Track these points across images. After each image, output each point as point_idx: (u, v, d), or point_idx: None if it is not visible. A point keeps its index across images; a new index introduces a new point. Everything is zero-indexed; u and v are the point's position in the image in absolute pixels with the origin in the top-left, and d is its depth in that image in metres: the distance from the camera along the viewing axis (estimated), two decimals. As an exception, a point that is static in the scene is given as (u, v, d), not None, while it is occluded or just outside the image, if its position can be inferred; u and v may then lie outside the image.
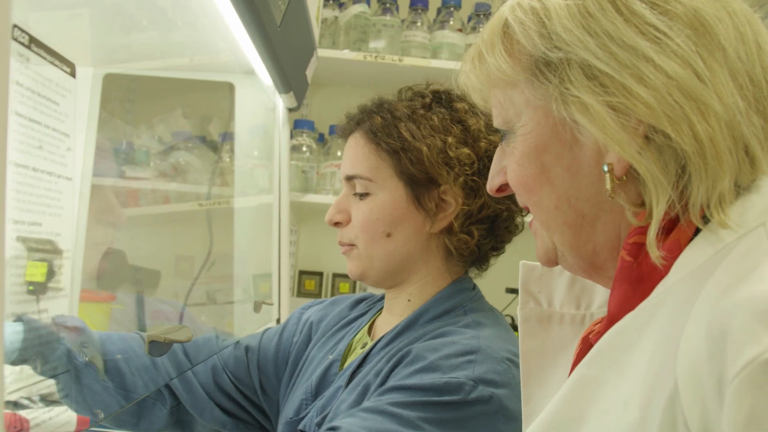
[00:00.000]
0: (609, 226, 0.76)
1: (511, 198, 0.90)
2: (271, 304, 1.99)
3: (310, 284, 2.83)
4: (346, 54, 2.53)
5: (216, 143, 1.64)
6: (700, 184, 0.68)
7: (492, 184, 0.85)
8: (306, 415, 1.22)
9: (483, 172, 1.20)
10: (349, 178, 1.28)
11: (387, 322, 1.29)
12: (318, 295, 2.83)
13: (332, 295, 2.83)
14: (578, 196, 0.76)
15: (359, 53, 2.53)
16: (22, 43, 0.86)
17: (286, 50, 1.63)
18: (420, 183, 1.22)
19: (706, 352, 0.59)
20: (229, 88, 1.71)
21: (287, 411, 1.29)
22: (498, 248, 1.29)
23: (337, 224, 1.29)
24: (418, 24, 2.60)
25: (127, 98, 1.26)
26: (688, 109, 0.67)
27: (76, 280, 1.17)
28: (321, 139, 2.71)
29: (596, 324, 0.81)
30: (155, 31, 1.21)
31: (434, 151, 1.21)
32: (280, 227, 2.13)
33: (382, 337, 1.23)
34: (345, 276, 2.83)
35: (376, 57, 2.51)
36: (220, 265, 1.64)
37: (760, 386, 0.55)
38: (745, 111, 0.69)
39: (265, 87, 1.90)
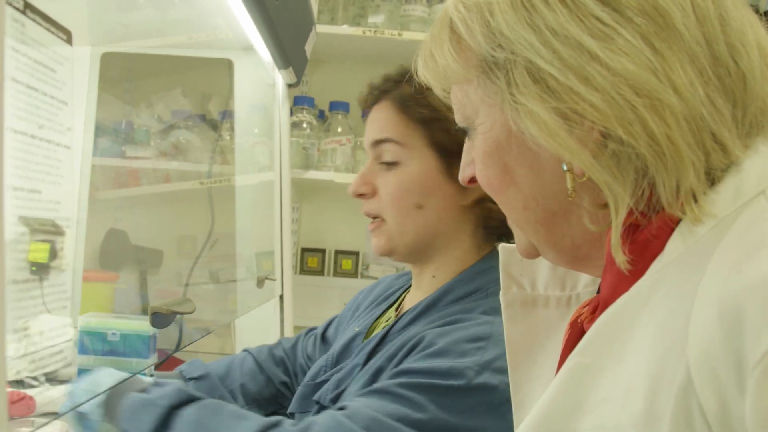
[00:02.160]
0: (583, 218, 0.70)
1: None
2: (274, 280, 1.99)
3: (312, 261, 2.83)
4: (345, 29, 2.51)
5: (216, 121, 1.63)
6: (663, 183, 0.63)
7: (463, 175, 0.82)
8: (322, 383, 1.23)
9: None
10: (378, 143, 1.23)
11: (412, 299, 1.28)
12: (320, 272, 2.83)
13: (335, 272, 2.83)
14: (545, 195, 0.71)
15: (358, 28, 2.51)
16: (17, 8, 0.85)
17: (285, 25, 1.62)
18: (452, 153, 1.16)
19: (720, 337, 0.55)
20: (228, 65, 1.71)
21: (309, 373, 1.30)
22: None
23: (360, 196, 1.25)
24: (417, -2, 2.58)
25: (125, 77, 1.25)
26: (641, 108, 0.62)
27: (79, 260, 1.17)
28: (321, 115, 2.69)
29: (584, 306, 0.77)
30: (153, 9, 1.20)
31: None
32: (281, 204, 2.13)
33: (403, 315, 1.22)
34: (347, 252, 2.83)
35: (375, 32, 2.50)
36: (222, 244, 1.64)
37: None
38: (706, 99, 0.64)
39: (265, 63, 1.89)
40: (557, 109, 0.64)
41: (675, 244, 0.64)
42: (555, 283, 0.86)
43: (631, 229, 0.66)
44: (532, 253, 0.78)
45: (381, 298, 1.39)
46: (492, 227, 1.23)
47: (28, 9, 0.86)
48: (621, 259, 0.64)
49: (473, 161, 0.78)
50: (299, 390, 1.27)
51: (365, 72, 2.92)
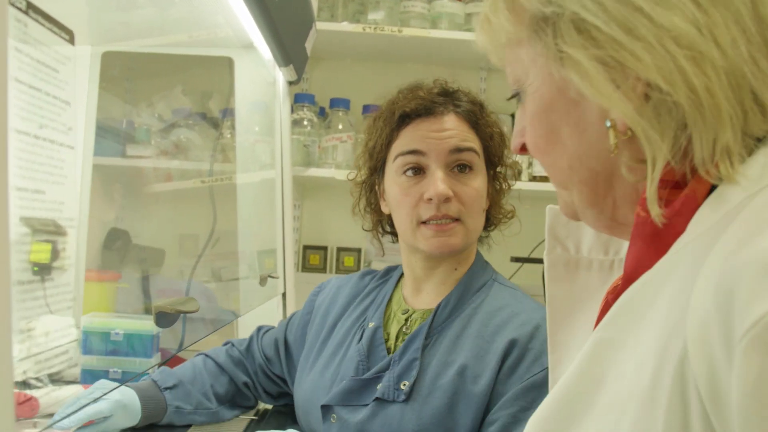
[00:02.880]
0: (626, 181, 0.72)
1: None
2: (277, 278, 1.99)
3: (314, 259, 2.83)
4: (345, 26, 2.51)
5: (217, 119, 1.63)
6: (701, 137, 0.64)
7: (514, 144, 0.83)
8: (374, 379, 1.31)
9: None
10: (460, 150, 1.34)
11: (429, 291, 1.41)
12: (323, 269, 2.83)
13: (337, 269, 2.83)
14: (589, 154, 0.73)
15: (358, 25, 2.50)
16: (20, 8, 0.84)
17: (285, 22, 1.61)
18: (493, 168, 1.40)
19: (714, 311, 0.56)
20: (229, 63, 1.70)
21: (334, 369, 1.38)
22: None
23: (448, 200, 1.33)
24: (417, -6, 2.58)
25: (126, 76, 1.25)
26: (682, 58, 0.63)
27: (81, 260, 1.17)
28: (322, 112, 2.69)
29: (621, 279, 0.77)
30: (153, 8, 1.20)
31: (502, 143, 1.40)
32: (283, 202, 2.13)
33: (438, 308, 1.34)
34: (349, 249, 2.83)
35: (375, 28, 2.49)
36: (224, 242, 1.63)
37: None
38: (749, 57, 0.64)
39: (265, 61, 1.89)
40: (600, 57, 0.66)
41: (694, 224, 0.65)
42: (599, 247, 0.88)
43: (664, 195, 0.67)
44: (576, 216, 0.80)
45: (362, 294, 1.49)
46: (492, 226, 1.45)
47: (30, 9, 0.86)
48: (656, 211, 0.66)
49: (522, 130, 0.80)
50: (345, 384, 1.33)
51: (365, 69, 2.95)
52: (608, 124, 0.69)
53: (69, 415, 1.20)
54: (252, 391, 1.55)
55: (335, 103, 2.61)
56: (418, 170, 1.34)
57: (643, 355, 0.63)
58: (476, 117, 1.37)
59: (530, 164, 2.61)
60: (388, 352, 1.35)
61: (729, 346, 0.55)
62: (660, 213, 0.66)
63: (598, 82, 0.66)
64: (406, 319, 1.39)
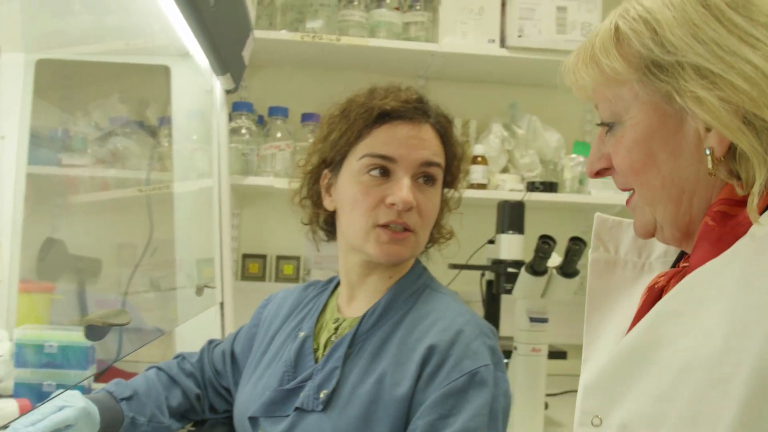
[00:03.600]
0: (703, 200, 0.90)
1: None
2: (213, 287, 1.98)
3: (254, 267, 2.82)
4: (284, 34, 2.51)
5: (154, 128, 1.62)
6: None
7: (592, 168, 1.00)
8: (296, 389, 1.30)
9: None
10: (430, 164, 1.35)
11: (363, 299, 1.39)
12: (262, 278, 2.81)
13: (277, 277, 2.82)
14: (680, 176, 0.90)
15: (296, 33, 2.51)
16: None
17: (221, 31, 1.61)
18: (446, 186, 1.43)
19: None
20: (165, 71, 1.69)
21: (266, 380, 1.37)
22: None
23: (409, 209, 1.32)
24: (355, 3, 2.59)
25: (61, 84, 1.23)
26: None
27: (14, 271, 1.15)
28: (260, 121, 2.68)
29: (661, 276, 0.96)
30: (89, 15, 1.18)
31: (461, 164, 1.43)
32: (220, 211, 2.12)
33: (364, 316, 1.33)
34: (288, 258, 2.83)
35: (313, 37, 2.50)
36: (162, 252, 1.62)
37: None
38: None
39: (202, 69, 1.88)
40: (719, 95, 0.83)
41: (756, 230, 0.83)
42: (634, 251, 1.07)
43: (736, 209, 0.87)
44: (650, 231, 0.97)
45: (301, 305, 1.48)
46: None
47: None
48: (755, 217, 0.83)
49: (605, 156, 0.97)
50: (268, 395, 1.32)
51: (304, 77, 2.96)
52: (707, 151, 0.87)
53: (33, 424, 1.17)
54: (201, 405, 1.52)
55: (274, 111, 2.61)
56: (384, 172, 1.32)
57: (711, 323, 0.81)
58: (447, 133, 1.39)
59: (467, 172, 2.64)
60: (316, 362, 1.33)
61: None
62: (758, 218, 0.83)
63: (720, 114, 0.83)
64: (336, 328, 1.37)
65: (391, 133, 1.32)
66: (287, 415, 1.29)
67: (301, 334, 1.38)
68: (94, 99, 1.27)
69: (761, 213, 0.85)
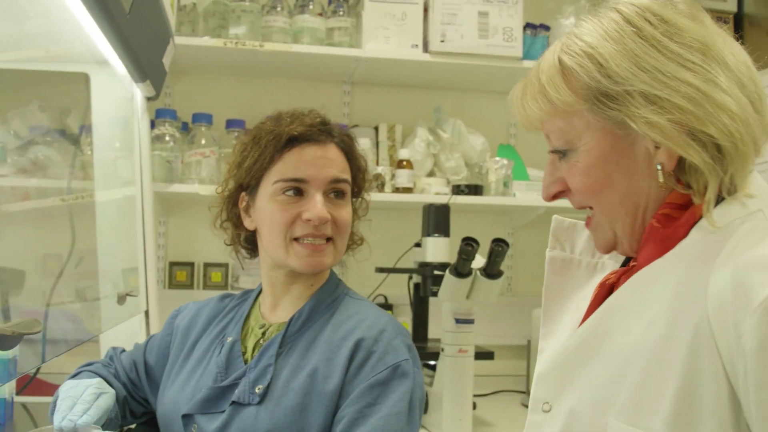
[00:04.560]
0: (655, 210, 1.00)
1: None
2: (135, 296, 1.96)
3: (181, 275, 2.79)
4: (206, 41, 2.50)
5: (75, 136, 1.59)
6: (736, 170, 0.94)
7: (548, 192, 1.09)
8: (231, 386, 1.38)
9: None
10: (338, 181, 1.45)
11: (287, 306, 1.50)
12: (190, 285, 2.79)
13: (205, 285, 2.80)
14: (635, 191, 1.00)
15: (219, 40, 2.50)
16: None
17: (139, 38, 1.60)
18: (354, 197, 1.54)
19: (731, 294, 0.86)
20: (85, 78, 1.67)
21: (196, 381, 1.44)
22: None
23: (324, 223, 1.43)
24: (278, 9, 2.59)
25: (-23, 92, 1.21)
26: (725, 117, 0.92)
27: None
28: (185, 127, 2.66)
29: (612, 274, 1.08)
30: (6, 22, 1.16)
31: (365, 176, 1.54)
32: (143, 219, 2.09)
33: (291, 320, 1.44)
34: (216, 265, 2.81)
35: (236, 43, 2.49)
36: (86, 261, 1.60)
37: None
38: (753, 112, 0.94)
39: (121, 77, 1.86)
40: (669, 118, 0.93)
41: (696, 232, 0.96)
42: (587, 251, 1.17)
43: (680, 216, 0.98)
44: (610, 248, 1.07)
45: (221, 314, 1.56)
46: None
47: None
48: (712, 221, 0.94)
49: (559, 180, 1.06)
50: (204, 393, 1.40)
51: (228, 83, 2.95)
52: (659, 167, 0.97)
53: (83, 414, 1.29)
54: (124, 409, 1.53)
55: (198, 117, 2.59)
56: (298, 191, 1.42)
57: (653, 316, 0.93)
58: (350, 150, 1.50)
59: (393, 176, 2.67)
60: (246, 363, 1.42)
61: (743, 313, 0.84)
62: (714, 221, 0.94)
63: (673, 135, 0.93)
64: (263, 333, 1.47)
65: (300, 156, 1.43)
66: (223, 411, 1.37)
67: (229, 339, 1.47)
68: (12, 107, 1.24)
69: (700, 217, 0.96)
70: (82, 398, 1.33)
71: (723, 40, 0.99)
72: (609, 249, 1.07)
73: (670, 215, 0.99)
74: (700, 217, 0.96)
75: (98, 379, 1.42)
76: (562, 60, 1.00)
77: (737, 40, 1.02)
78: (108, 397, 1.37)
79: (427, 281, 2.28)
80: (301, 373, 1.37)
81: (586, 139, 1.01)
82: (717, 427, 0.87)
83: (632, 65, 0.95)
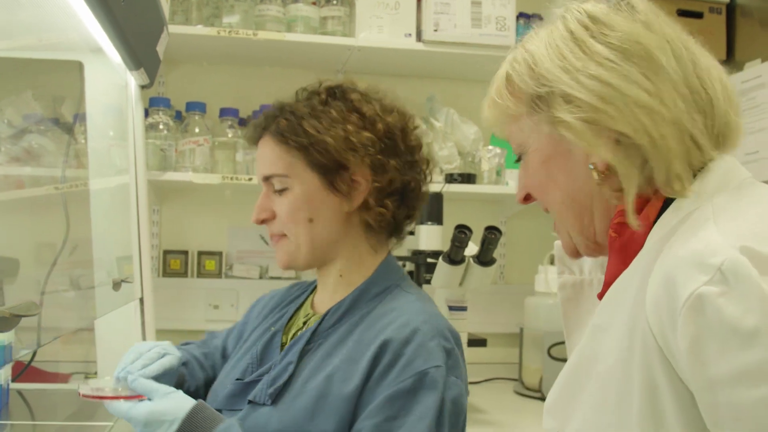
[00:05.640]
0: (603, 213, 1.01)
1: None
2: (130, 282, 1.97)
3: (175, 263, 2.80)
4: (200, 29, 2.50)
5: (69, 124, 1.60)
6: (658, 168, 0.93)
7: (519, 196, 1.11)
8: (254, 382, 1.34)
9: (386, 150, 1.38)
10: (267, 178, 1.40)
11: (324, 299, 1.44)
12: (184, 274, 2.80)
13: (198, 273, 2.81)
14: (578, 192, 1.01)
15: (213, 28, 2.50)
16: None
17: (133, 26, 1.60)
18: (331, 170, 1.36)
19: (662, 292, 0.84)
20: (78, 66, 1.67)
21: (233, 373, 1.41)
22: (411, 216, 1.46)
23: (263, 221, 1.41)
24: (272, -3, 2.59)
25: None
26: (642, 115, 0.93)
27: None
28: (178, 116, 2.67)
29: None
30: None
31: (339, 140, 1.34)
32: (138, 207, 2.10)
33: (327, 313, 1.37)
34: (210, 253, 2.82)
35: (230, 32, 2.50)
36: (80, 250, 1.60)
37: (698, 311, 0.80)
38: (685, 111, 0.94)
39: (115, 65, 1.86)
40: (582, 117, 0.94)
41: (650, 236, 0.94)
42: (597, 268, 1.15)
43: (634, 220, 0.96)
44: (573, 251, 1.08)
45: (283, 303, 1.52)
46: (381, 227, 1.41)
47: None
48: (635, 223, 0.95)
49: (525, 185, 1.08)
50: (230, 388, 1.37)
51: (221, 72, 2.95)
52: (591, 166, 0.98)
53: (144, 368, 1.30)
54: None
55: (191, 106, 2.60)
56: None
57: (620, 334, 0.91)
58: (284, 132, 1.37)
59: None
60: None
61: (674, 313, 0.82)
62: (638, 223, 0.95)
63: (584, 134, 0.95)
64: (305, 323, 1.43)
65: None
66: (241, 409, 1.32)
67: (272, 329, 1.44)
68: (6, 96, 1.25)
69: (655, 219, 0.96)
70: (146, 355, 1.34)
71: (671, 40, 0.98)
72: (572, 252, 1.09)
73: (623, 223, 0.97)
74: (654, 220, 0.95)
75: (167, 342, 1.41)
76: (507, 69, 1.05)
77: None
78: (171, 359, 1.36)
79: (420, 269, 2.30)
80: (320, 374, 1.27)
81: (531, 141, 1.04)
82: None
83: (557, 67, 0.97)
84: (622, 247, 0.98)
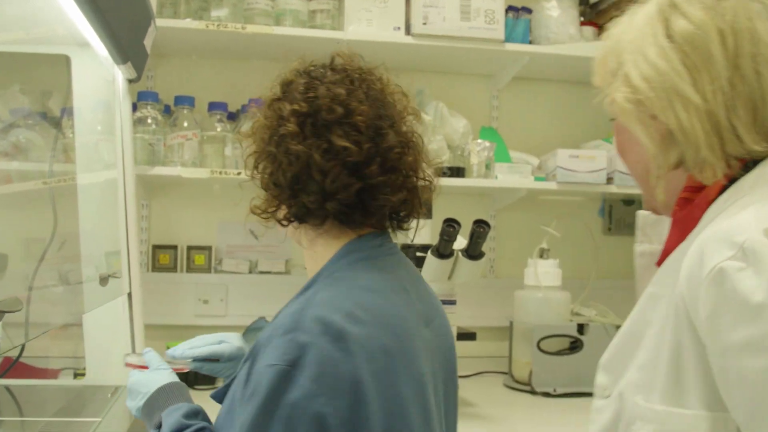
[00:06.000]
0: (671, 181, 1.07)
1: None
2: (118, 277, 1.96)
3: (164, 258, 2.79)
4: (188, 23, 2.49)
5: (57, 119, 1.59)
6: (688, 155, 1.02)
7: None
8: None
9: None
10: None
11: None
12: (173, 269, 2.79)
13: (188, 268, 2.80)
14: (639, 161, 1.12)
15: (201, 22, 2.49)
16: None
17: (119, 20, 1.59)
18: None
19: (694, 264, 0.94)
20: (66, 61, 1.66)
21: None
22: (369, 193, 1.19)
23: None
24: (260, -9, 2.58)
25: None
26: (677, 103, 1.00)
27: None
28: (167, 110, 2.66)
29: None
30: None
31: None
32: (125, 201, 2.09)
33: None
34: (199, 248, 2.81)
35: (218, 26, 2.48)
36: (69, 245, 1.60)
37: (718, 283, 0.90)
38: (725, 103, 0.99)
39: (102, 59, 1.85)
40: (629, 99, 1.05)
41: (705, 216, 1.03)
42: None
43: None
44: (650, 207, 1.18)
45: None
46: (313, 218, 1.22)
47: None
48: (661, 198, 1.07)
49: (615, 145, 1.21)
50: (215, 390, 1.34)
51: (210, 66, 2.94)
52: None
53: (192, 348, 1.37)
54: None
55: (180, 100, 2.59)
56: None
57: (667, 301, 1.00)
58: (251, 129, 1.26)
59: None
60: None
61: (699, 283, 0.92)
62: (664, 198, 1.07)
63: (628, 114, 1.06)
64: None
65: None
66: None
67: None
68: (-7, 90, 1.24)
69: (718, 194, 1.03)
70: (206, 338, 1.40)
71: (738, 31, 1.01)
72: (650, 208, 1.20)
73: (688, 198, 1.06)
74: (714, 199, 1.03)
75: (236, 334, 1.44)
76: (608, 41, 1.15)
77: None
78: (228, 347, 1.39)
79: (409, 263, 2.29)
80: (241, 371, 1.12)
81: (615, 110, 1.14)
82: (702, 400, 0.94)
83: (627, 49, 1.07)
84: (681, 221, 1.07)
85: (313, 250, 1.25)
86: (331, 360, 1.03)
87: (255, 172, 1.22)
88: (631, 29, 1.09)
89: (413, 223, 1.35)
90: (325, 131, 1.16)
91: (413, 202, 1.29)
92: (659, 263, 1.10)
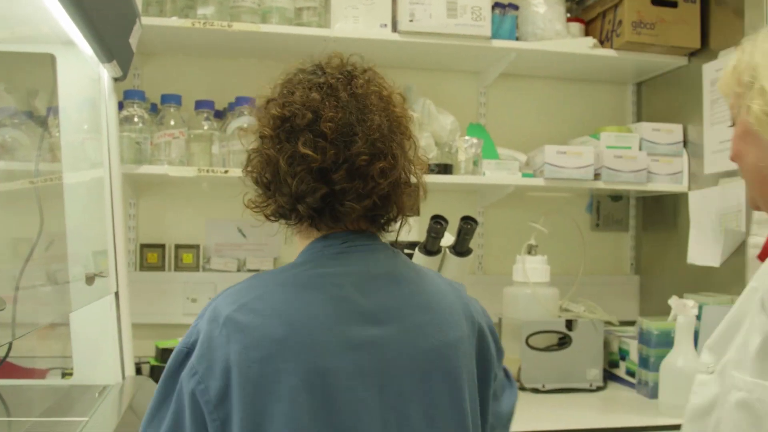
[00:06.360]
0: None
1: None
2: (105, 276, 1.96)
3: (152, 257, 2.78)
4: (174, 21, 2.48)
5: (43, 118, 1.58)
6: None
7: (730, 155, 1.37)
8: None
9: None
10: None
11: None
12: (161, 267, 2.78)
13: (176, 266, 2.80)
14: (758, 165, 1.27)
15: (187, 20, 2.48)
16: None
17: (104, 18, 1.59)
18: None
19: None
20: (51, 60, 1.65)
21: None
22: (331, 193, 1.20)
23: None
24: (246, -11, 2.58)
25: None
26: None
27: None
28: (153, 108, 2.65)
29: None
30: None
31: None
32: (112, 200, 2.08)
33: None
34: (187, 246, 2.80)
35: (204, 24, 2.48)
36: (57, 244, 1.59)
37: None
38: None
39: (87, 57, 1.85)
40: (765, 110, 1.20)
41: None
42: None
43: None
44: (754, 204, 1.34)
45: None
46: (289, 218, 1.25)
47: None
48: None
49: (731, 147, 1.35)
50: None
51: (197, 64, 2.93)
52: None
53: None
54: None
55: (166, 99, 2.58)
56: None
57: (762, 295, 1.17)
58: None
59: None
60: None
61: None
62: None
63: (762, 122, 1.21)
64: None
65: None
66: None
67: None
68: (-23, 89, 1.24)
69: None
70: None
71: None
72: (754, 206, 1.35)
73: None
74: None
75: None
76: (740, 54, 1.31)
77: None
78: None
79: (398, 260, 2.29)
80: None
81: (740, 116, 1.30)
82: None
83: (764, 65, 1.22)
84: None
85: (295, 247, 1.31)
86: (211, 344, 1.12)
87: (248, 168, 1.26)
88: (764, 48, 1.24)
89: (395, 225, 1.36)
90: (294, 137, 1.19)
91: (387, 208, 1.29)
92: (761, 257, 1.28)
